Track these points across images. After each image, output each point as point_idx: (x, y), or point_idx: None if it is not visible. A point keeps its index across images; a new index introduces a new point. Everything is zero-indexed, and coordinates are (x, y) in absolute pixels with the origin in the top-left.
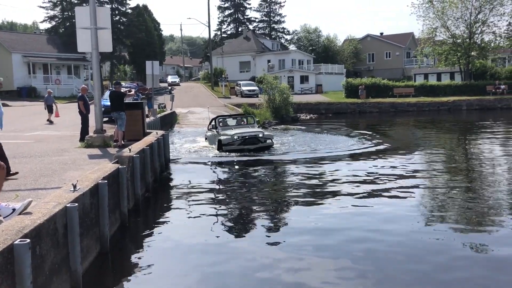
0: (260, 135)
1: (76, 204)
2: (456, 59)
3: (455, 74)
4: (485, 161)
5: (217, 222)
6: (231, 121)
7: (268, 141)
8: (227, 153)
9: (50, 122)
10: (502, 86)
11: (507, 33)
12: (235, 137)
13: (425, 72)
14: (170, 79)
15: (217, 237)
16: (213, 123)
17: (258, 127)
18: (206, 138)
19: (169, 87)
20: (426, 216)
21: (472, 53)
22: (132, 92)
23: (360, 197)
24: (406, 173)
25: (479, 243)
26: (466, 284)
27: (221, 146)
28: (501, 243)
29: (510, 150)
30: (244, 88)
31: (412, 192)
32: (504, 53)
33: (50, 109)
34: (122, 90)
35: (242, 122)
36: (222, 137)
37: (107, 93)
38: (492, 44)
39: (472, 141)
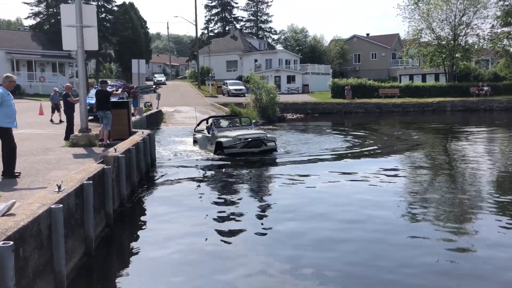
0: (264, 138)
1: (61, 205)
2: (441, 61)
3: (439, 75)
4: (468, 160)
5: (203, 221)
6: (224, 122)
7: (272, 143)
8: (222, 156)
9: (52, 121)
10: (485, 88)
11: (490, 36)
12: (238, 140)
13: (410, 73)
14: (157, 77)
15: (203, 236)
16: (202, 124)
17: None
18: (195, 141)
19: (154, 86)
20: (413, 214)
21: (457, 54)
22: (119, 92)
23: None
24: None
25: (461, 238)
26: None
27: (220, 149)
28: (481, 237)
29: (491, 150)
30: (231, 87)
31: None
32: (487, 55)
33: (57, 108)
34: (108, 90)
35: (237, 124)
36: (222, 139)
37: (92, 92)
38: (476, 46)
39: (454, 142)
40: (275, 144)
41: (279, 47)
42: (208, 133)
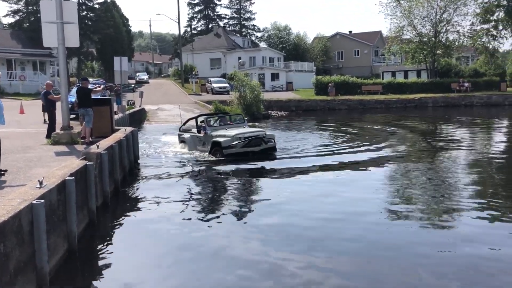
0: (263, 136)
1: (43, 200)
2: (423, 57)
3: (421, 72)
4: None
5: (186, 218)
6: (215, 121)
7: (271, 142)
8: (219, 157)
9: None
10: (466, 84)
11: (470, 33)
12: (237, 139)
13: (392, 70)
14: (140, 75)
15: (188, 234)
16: (190, 123)
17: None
18: (182, 141)
19: (132, 85)
20: (398, 209)
21: (438, 51)
22: (99, 89)
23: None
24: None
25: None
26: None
27: (218, 149)
28: (465, 228)
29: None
30: (215, 85)
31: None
32: (467, 52)
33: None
34: (89, 87)
35: (229, 122)
36: (220, 139)
37: (74, 90)
38: (457, 43)
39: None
40: (275, 142)
41: (262, 44)
42: (199, 132)
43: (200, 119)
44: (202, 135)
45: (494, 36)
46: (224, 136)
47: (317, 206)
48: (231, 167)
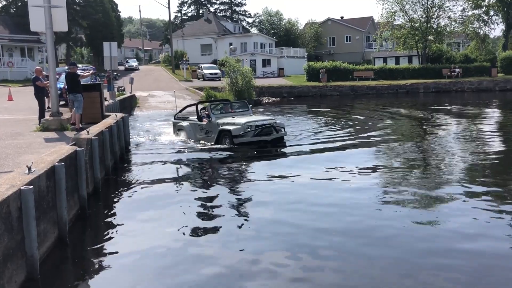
0: (274, 124)
1: (31, 186)
2: (414, 43)
3: (413, 57)
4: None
5: (179, 206)
6: (217, 108)
7: (282, 131)
8: (228, 146)
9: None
10: (457, 70)
11: (461, 18)
12: (248, 127)
13: (384, 55)
14: (129, 62)
15: (179, 222)
16: (185, 110)
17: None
18: (179, 129)
19: (115, 73)
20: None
21: (429, 37)
22: (87, 74)
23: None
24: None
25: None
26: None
27: (227, 138)
28: (452, 215)
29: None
30: (206, 71)
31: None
32: (458, 38)
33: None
34: (78, 72)
35: (230, 110)
36: (230, 128)
37: (62, 76)
38: (448, 29)
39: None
40: (285, 131)
41: (254, 30)
42: (200, 120)
43: (202, 106)
44: (204, 123)
45: (485, 21)
46: (233, 124)
47: (305, 198)
48: (225, 155)
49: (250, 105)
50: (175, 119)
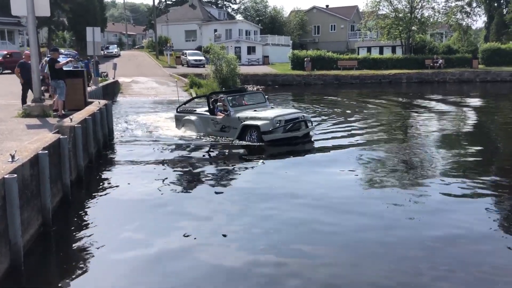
0: (303, 117)
1: (15, 175)
2: (398, 33)
3: (396, 47)
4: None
5: (162, 193)
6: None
7: (311, 125)
8: (255, 143)
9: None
10: (440, 60)
11: (444, 9)
12: (277, 122)
13: (368, 45)
14: (110, 48)
15: (163, 208)
16: (192, 101)
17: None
18: (184, 124)
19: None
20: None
21: (413, 27)
22: (63, 62)
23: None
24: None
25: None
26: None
27: (252, 135)
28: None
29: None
30: (190, 58)
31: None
32: (442, 29)
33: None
34: (62, 59)
35: (244, 102)
36: (257, 123)
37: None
38: (431, 20)
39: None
40: (313, 124)
41: (239, 17)
42: (212, 113)
43: (214, 97)
44: (219, 117)
45: (468, 13)
46: (259, 118)
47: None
48: (214, 145)
49: (266, 96)
50: (178, 112)
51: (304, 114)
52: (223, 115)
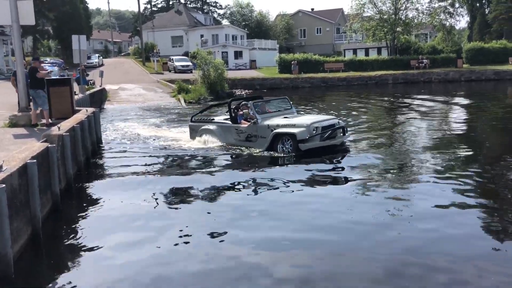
0: (338, 124)
1: (4, 185)
2: (383, 35)
3: (382, 49)
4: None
5: (153, 199)
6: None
7: (347, 132)
8: (289, 154)
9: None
10: (425, 61)
11: (428, 10)
12: (314, 129)
13: (354, 47)
14: (91, 58)
15: (152, 215)
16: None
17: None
18: (202, 134)
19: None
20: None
21: (398, 28)
22: (44, 72)
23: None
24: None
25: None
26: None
27: (285, 144)
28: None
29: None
30: (177, 64)
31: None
32: (426, 29)
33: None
34: (47, 68)
35: (267, 109)
36: (293, 130)
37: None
38: (416, 20)
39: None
40: (348, 131)
41: (225, 22)
42: (234, 121)
43: (236, 103)
44: (244, 125)
45: (451, 13)
46: (293, 126)
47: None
48: (204, 151)
49: (291, 102)
50: (192, 121)
51: (339, 121)
52: (248, 123)
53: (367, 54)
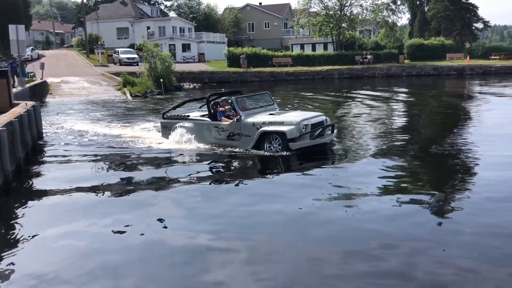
0: (326, 121)
1: None
2: (329, 30)
3: (328, 44)
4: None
5: (99, 196)
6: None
7: (335, 130)
8: (279, 153)
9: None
10: (369, 56)
11: (372, 7)
12: (303, 126)
13: (301, 42)
14: (28, 52)
15: (98, 211)
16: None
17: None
18: (174, 133)
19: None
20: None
21: (343, 24)
22: None
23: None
24: None
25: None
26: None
27: (273, 143)
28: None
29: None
30: (122, 56)
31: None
32: (370, 26)
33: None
34: None
35: (248, 105)
36: (282, 128)
37: None
38: (360, 17)
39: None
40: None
41: (172, 14)
42: (213, 118)
43: (213, 99)
44: (225, 123)
45: (393, 10)
46: (281, 123)
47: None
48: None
49: (272, 97)
50: (164, 118)
51: (327, 118)
52: (230, 120)
53: (314, 49)
